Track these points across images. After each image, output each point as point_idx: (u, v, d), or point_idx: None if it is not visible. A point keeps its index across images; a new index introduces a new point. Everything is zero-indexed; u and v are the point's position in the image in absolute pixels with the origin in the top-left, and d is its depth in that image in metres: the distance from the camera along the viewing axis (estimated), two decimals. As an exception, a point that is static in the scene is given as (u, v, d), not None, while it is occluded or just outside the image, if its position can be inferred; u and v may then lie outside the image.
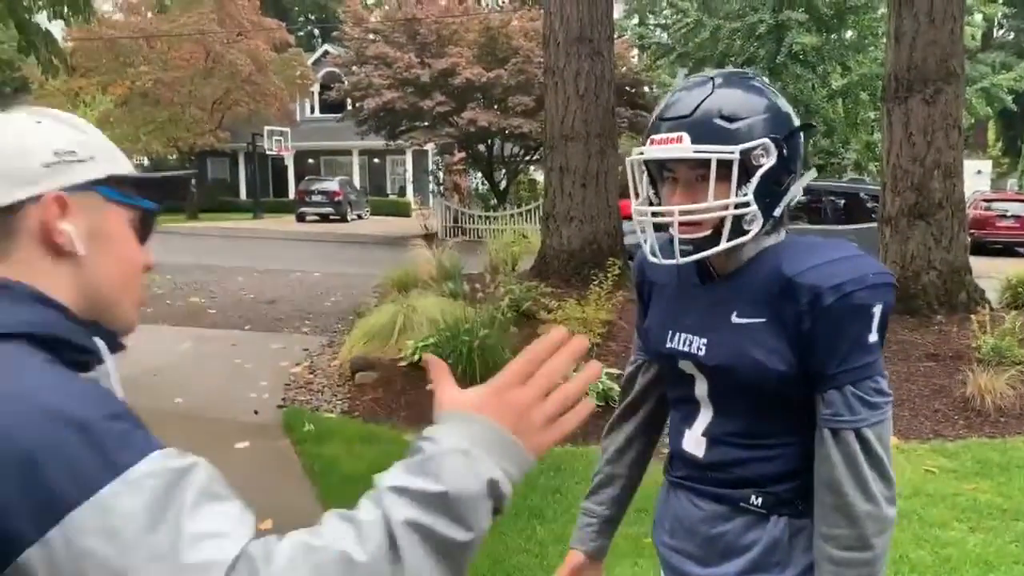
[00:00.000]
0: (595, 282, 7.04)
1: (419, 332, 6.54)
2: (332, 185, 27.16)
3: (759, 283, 1.32)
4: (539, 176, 22.42)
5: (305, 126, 32.36)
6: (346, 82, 20.80)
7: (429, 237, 14.91)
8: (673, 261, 1.34)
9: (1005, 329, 6.06)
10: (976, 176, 22.81)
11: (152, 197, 0.96)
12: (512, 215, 19.40)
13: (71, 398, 0.74)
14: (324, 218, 26.61)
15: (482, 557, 3.19)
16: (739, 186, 1.29)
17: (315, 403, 6.22)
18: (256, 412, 5.88)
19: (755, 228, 1.30)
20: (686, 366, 1.43)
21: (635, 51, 21.63)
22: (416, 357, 6.29)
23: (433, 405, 0.82)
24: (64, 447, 0.70)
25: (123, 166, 0.94)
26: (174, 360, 7.12)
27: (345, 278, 12.52)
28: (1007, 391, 5.47)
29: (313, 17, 47.45)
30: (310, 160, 33.54)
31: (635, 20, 20.91)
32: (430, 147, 23.75)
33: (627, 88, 18.84)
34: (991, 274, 8.21)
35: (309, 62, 31.28)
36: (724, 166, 1.27)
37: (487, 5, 27.93)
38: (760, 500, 1.37)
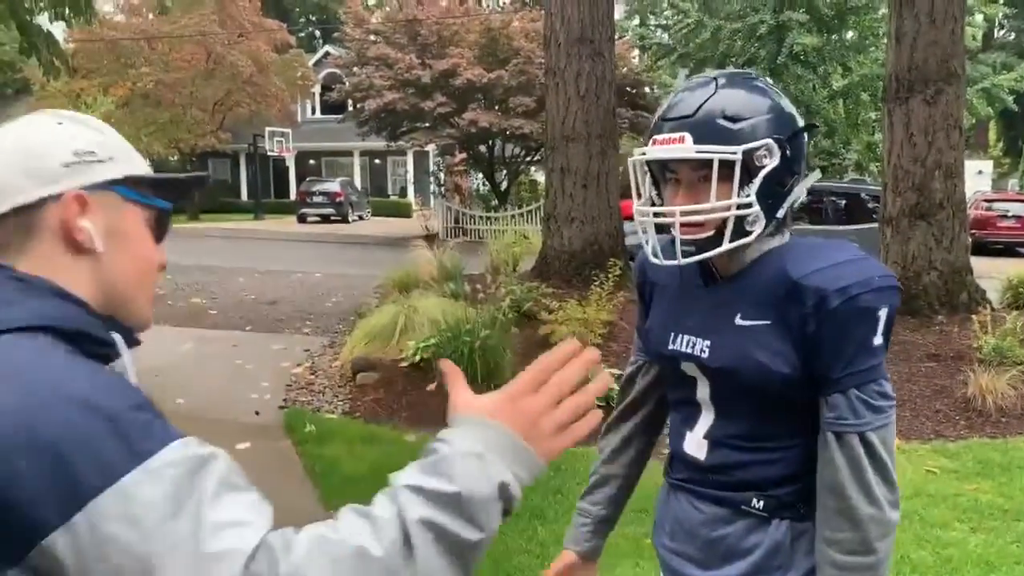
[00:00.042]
0: (596, 283, 7.04)
1: (420, 333, 6.54)
2: (333, 186, 27.16)
3: (763, 285, 1.32)
4: (540, 177, 22.43)
5: (306, 127, 32.37)
6: (347, 83, 20.82)
7: (430, 238, 14.91)
8: (675, 262, 1.33)
9: (1006, 329, 6.06)
10: (977, 176, 22.82)
11: (167, 197, 0.99)
12: (513, 216, 19.41)
13: (96, 388, 0.76)
14: (325, 219, 26.61)
15: (483, 557, 3.18)
16: (741, 187, 1.28)
17: (316, 404, 6.23)
18: (257, 413, 5.89)
19: (758, 229, 1.30)
20: (688, 368, 1.41)
21: (636, 52, 21.63)
22: (417, 358, 6.29)
23: (448, 408, 0.85)
24: (90, 435, 0.72)
25: (140, 167, 0.97)
26: (175, 361, 7.12)
27: (346, 279, 12.52)
28: (1008, 391, 5.47)
29: (314, 18, 47.49)
30: (311, 161, 33.56)
31: (636, 21, 20.93)
32: (431, 148, 23.76)
33: (628, 89, 18.84)
34: (992, 274, 8.21)
35: (310, 63, 31.31)
36: (726, 166, 1.27)
37: (488, 6, 27.94)
38: (762, 503, 1.36)
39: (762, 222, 1.30)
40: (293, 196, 29.86)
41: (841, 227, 11.00)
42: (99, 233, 0.89)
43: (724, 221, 1.29)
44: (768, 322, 1.30)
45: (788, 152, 1.30)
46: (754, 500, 1.36)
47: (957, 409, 5.53)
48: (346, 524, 0.75)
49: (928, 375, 5.92)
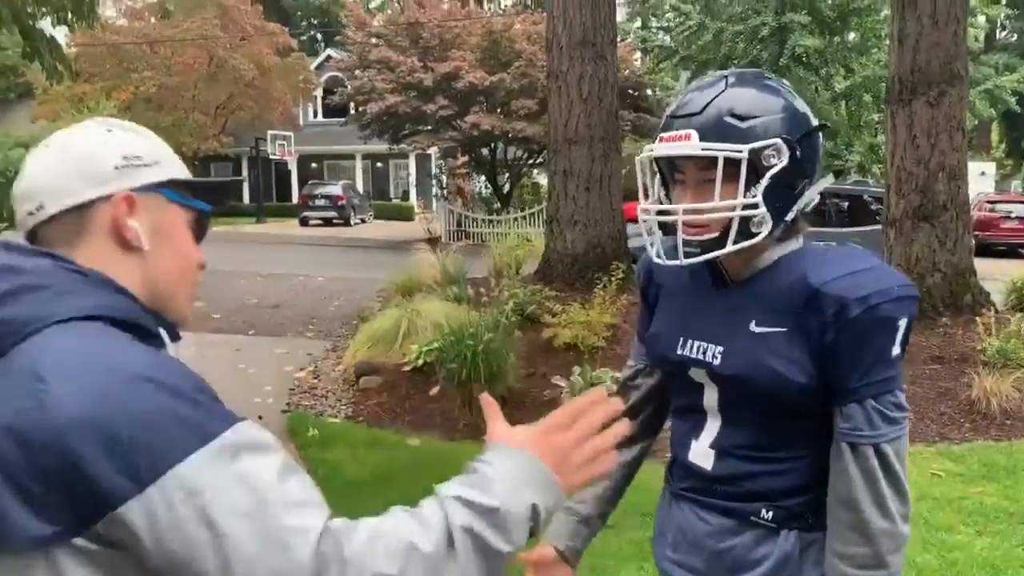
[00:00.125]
0: (599, 286, 7.04)
1: (423, 336, 6.54)
2: (335, 189, 27.16)
3: (780, 291, 1.29)
4: (542, 179, 22.44)
5: (308, 130, 32.40)
6: (349, 86, 20.84)
7: (432, 241, 14.92)
8: (677, 262, 1.30)
9: (1010, 331, 6.04)
10: (980, 178, 22.76)
11: (206, 200, 1.06)
12: (515, 219, 19.42)
13: (163, 370, 0.83)
14: (327, 222, 26.62)
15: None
16: (748, 187, 1.25)
17: (319, 408, 6.23)
18: (260, 417, 5.88)
19: (764, 231, 1.26)
20: (696, 374, 1.38)
21: (638, 54, 21.63)
22: (420, 362, 6.29)
23: (486, 436, 0.96)
24: (163, 413, 0.79)
25: (182, 171, 1.04)
26: (178, 365, 7.11)
27: (349, 282, 12.53)
28: (1013, 394, 5.46)
29: (316, 22, 47.56)
30: (313, 164, 33.58)
31: (638, 23, 20.90)
32: (433, 151, 23.76)
33: (630, 91, 18.84)
34: (995, 276, 8.19)
35: (312, 67, 31.36)
36: (732, 165, 1.24)
37: (490, 9, 27.96)
38: (771, 514, 1.33)
39: (769, 224, 1.26)
40: (295, 199, 29.87)
41: (844, 229, 10.97)
42: (145, 232, 0.96)
43: (729, 222, 1.26)
44: (785, 330, 1.27)
45: (798, 153, 1.27)
46: (763, 511, 1.33)
47: (962, 412, 5.52)
48: (399, 521, 0.85)
49: (932, 377, 5.91)
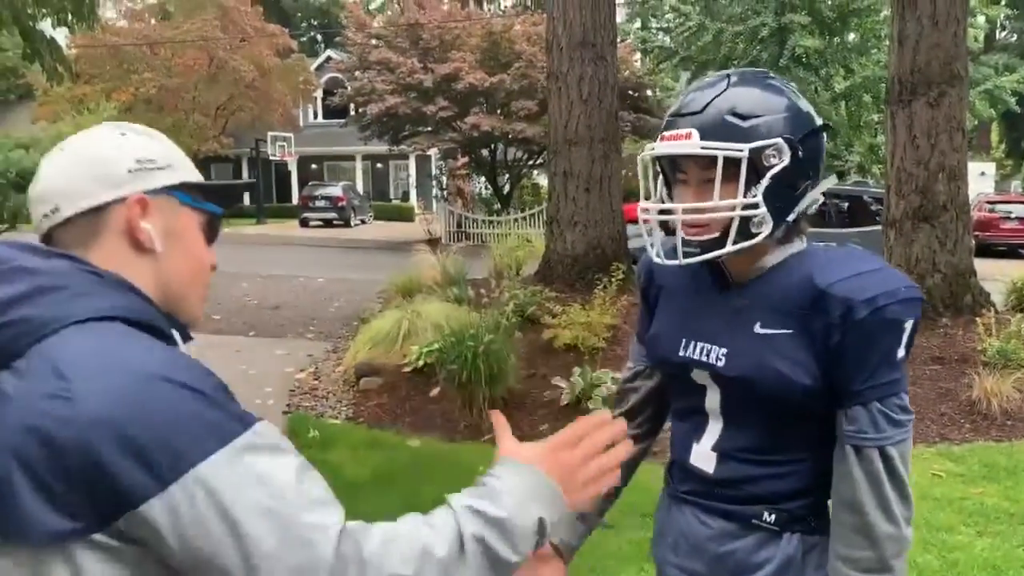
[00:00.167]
0: (599, 287, 7.04)
1: (423, 338, 6.54)
2: (335, 190, 27.15)
3: (785, 293, 1.27)
4: (542, 180, 22.44)
5: (308, 131, 32.40)
6: (349, 87, 20.83)
7: (433, 242, 14.92)
8: (676, 262, 1.29)
9: (1011, 332, 6.04)
10: (980, 178, 22.76)
11: (218, 202, 1.07)
12: (516, 219, 19.41)
13: (183, 370, 0.85)
14: (327, 223, 26.61)
15: None
16: (749, 187, 1.24)
17: (320, 409, 6.23)
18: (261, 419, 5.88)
19: (765, 231, 1.25)
20: (699, 376, 1.36)
21: (638, 55, 21.62)
22: (421, 363, 6.29)
23: (496, 452, 1.00)
24: (186, 412, 0.81)
25: (194, 174, 1.05)
26: (179, 366, 7.12)
27: (349, 283, 12.52)
28: (1013, 394, 5.45)
29: (316, 23, 47.57)
30: (313, 165, 33.59)
31: (637, 24, 20.88)
32: (433, 152, 23.75)
33: (630, 92, 18.83)
34: (996, 276, 8.19)
35: (312, 68, 31.36)
36: (733, 165, 1.22)
37: (490, 10, 27.97)
38: (773, 517, 1.32)
39: (769, 224, 1.25)
40: (295, 200, 29.87)
41: (844, 230, 10.97)
42: (158, 234, 0.97)
43: (729, 222, 1.25)
44: (790, 331, 1.26)
45: (800, 153, 1.25)
46: (765, 514, 1.32)
47: (962, 412, 5.52)
48: (412, 527, 0.87)
49: (933, 378, 5.90)
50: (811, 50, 16.65)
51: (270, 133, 28.42)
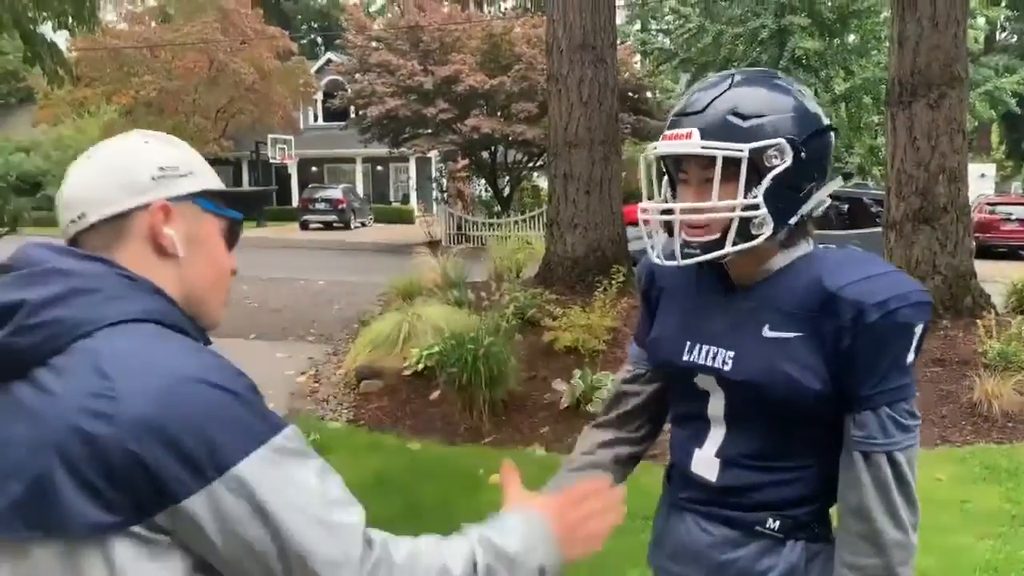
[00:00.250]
0: (599, 289, 7.03)
1: (424, 340, 6.54)
2: (336, 193, 27.17)
3: (794, 295, 1.25)
4: (542, 182, 22.44)
5: (308, 134, 32.42)
6: (349, 90, 20.83)
7: (433, 244, 14.91)
8: (675, 263, 1.27)
9: (1011, 334, 6.04)
10: (980, 180, 22.75)
11: (238, 209, 1.11)
12: (516, 222, 19.41)
13: (220, 371, 0.89)
14: (328, 226, 26.62)
15: None
16: (749, 187, 1.22)
17: (320, 412, 6.23)
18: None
19: (765, 233, 1.23)
20: (703, 381, 1.34)
21: (637, 57, 21.62)
22: (421, 366, 6.29)
23: (504, 500, 1.11)
24: (225, 413, 0.85)
25: (215, 181, 1.09)
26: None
27: (349, 286, 12.52)
28: (1014, 396, 5.45)
29: (316, 25, 47.59)
30: (313, 168, 33.60)
31: (637, 26, 20.86)
32: (433, 154, 23.77)
33: (630, 94, 18.85)
34: (996, 278, 8.18)
35: (312, 70, 31.35)
36: (732, 165, 1.21)
37: (490, 12, 27.99)
38: (777, 524, 1.29)
39: (770, 226, 1.23)
40: (295, 203, 29.88)
41: (844, 231, 10.96)
42: (181, 240, 1.01)
43: (729, 222, 1.23)
44: (800, 334, 1.23)
45: (803, 154, 1.23)
46: (769, 521, 1.30)
47: (963, 414, 5.51)
48: (433, 545, 0.95)
49: (933, 380, 5.90)
50: (811, 52, 16.65)
51: (270, 136, 28.42)
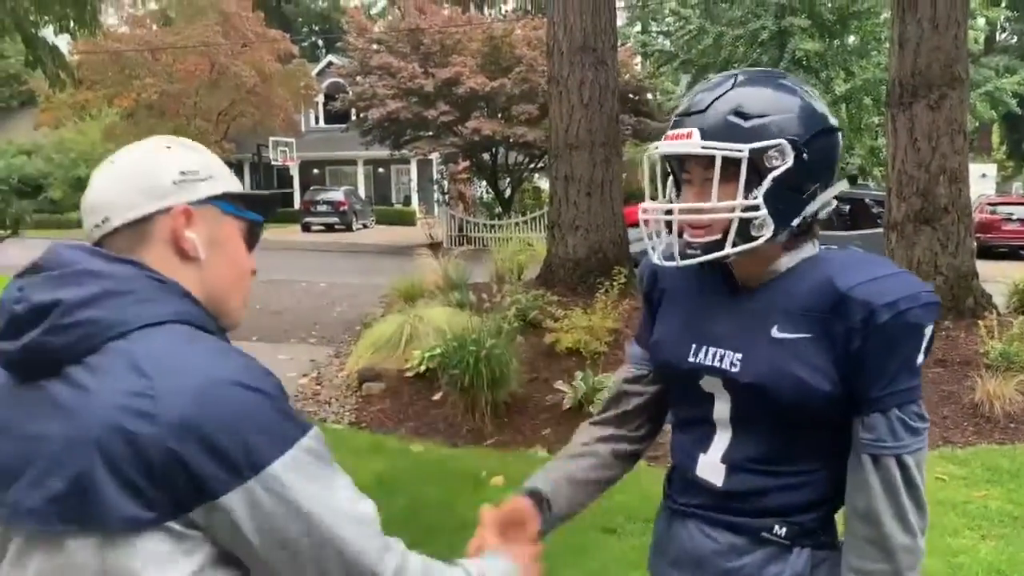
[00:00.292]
0: (601, 291, 7.04)
1: (426, 342, 6.54)
2: (337, 195, 27.19)
3: (803, 296, 1.23)
4: (543, 184, 22.45)
5: (310, 136, 32.44)
6: (350, 92, 20.86)
7: (434, 246, 14.91)
8: (674, 263, 1.26)
9: (1013, 334, 6.03)
10: (981, 180, 22.74)
11: (258, 211, 1.13)
12: (517, 223, 19.42)
13: (253, 373, 0.93)
14: (329, 228, 26.65)
15: None
16: (750, 188, 1.20)
17: (322, 414, 6.23)
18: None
19: (765, 235, 1.21)
20: (709, 383, 1.31)
21: (638, 58, 21.62)
22: (423, 367, 6.29)
23: (482, 543, 1.28)
24: (260, 413, 0.90)
25: (235, 184, 1.11)
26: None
27: (351, 288, 12.53)
28: (1016, 397, 5.45)
29: (317, 28, 47.63)
30: (315, 170, 33.62)
31: (638, 27, 20.87)
32: (434, 156, 23.77)
33: (630, 96, 18.86)
34: (997, 278, 8.18)
35: (313, 73, 31.38)
36: (733, 165, 1.19)
37: (490, 14, 28.01)
38: (784, 530, 1.27)
39: (771, 228, 1.21)
40: (297, 205, 29.90)
41: (846, 232, 10.96)
42: (202, 243, 1.03)
43: (729, 223, 1.21)
44: (809, 335, 1.21)
45: (806, 155, 1.21)
46: (776, 527, 1.27)
47: (965, 415, 5.51)
48: (440, 566, 1.04)
49: (935, 381, 5.89)
50: (811, 53, 16.65)
51: (272, 138, 28.44)
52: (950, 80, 6.85)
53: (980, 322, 6.31)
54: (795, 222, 1.24)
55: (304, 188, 30.95)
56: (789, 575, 1.27)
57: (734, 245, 1.22)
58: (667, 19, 19.51)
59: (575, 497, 1.44)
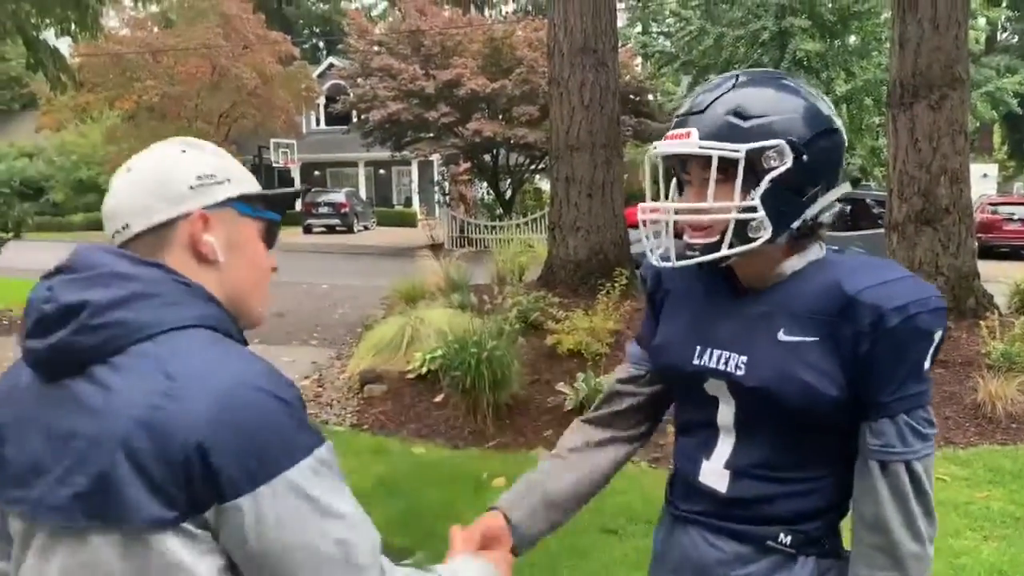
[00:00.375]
0: (602, 292, 7.04)
1: (427, 344, 6.54)
2: (338, 197, 27.24)
3: (810, 299, 1.21)
4: (544, 185, 22.43)
5: (311, 138, 32.46)
6: (351, 94, 20.88)
7: (435, 248, 14.92)
8: (669, 264, 1.25)
9: (1015, 335, 6.03)
10: (982, 180, 22.72)
11: (275, 209, 1.14)
12: (518, 225, 19.42)
13: (274, 379, 0.94)
14: (331, 229, 26.68)
15: None
16: (747, 189, 1.19)
17: (324, 416, 6.23)
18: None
19: (763, 236, 1.19)
20: (713, 387, 1.29)
21: (639, 59, 21.62)
22: (424, 369, 6.29)
23: (461, 536, 1.31)
24: (278, 420, 0.91)
25: (252, 185, 1.11)
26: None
27: (352, 290, 12.53)
28: (1018, 397, 5.44)
29: (318, 30, 47.65)
30: (316, 172, 33.65)
31: (638, 28, 20.87)
32: (435, 158, 23.80)
33: (631, 97, 18.86)
34: (999, 278, 8.18)
35: (314, 75, 31.38)
36: (731, 166, 1.17)
37: (491, 16, 28.02)
38: (789, 539, 1.24)
39: (768, 229, 1.19)
40: (298, 207, 29.91)
41: (846, 233, 10.96)
42: (220, 246, 1.04)
43: (727, 224, 1.20)
44: (815, 339, 1.19)
45: (806, 157, 1.19)
46: (781, 535, 1.25)
47: (967, 416, 5.50)
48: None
49: (937, 381, 5.88)
50: (812, 54, 16.65)
51: (273, 140, 28.46)
52: (951, 80, 6.85)
53: (982, 322, 6.30)
54: (795, 224, 1.22)
55: (305, 190, 30.93)
56: None
57: (731, 246, 1.20)
58: (668, 20, 19.51)
59: (551, 518, 1.41)
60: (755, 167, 1.18)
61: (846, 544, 1.29)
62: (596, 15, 8.35)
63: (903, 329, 1.14)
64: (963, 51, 7.01)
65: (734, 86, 1.23)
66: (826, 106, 1.24)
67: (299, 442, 0.92)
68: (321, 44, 46.46)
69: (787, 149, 1.18)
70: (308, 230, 26.54)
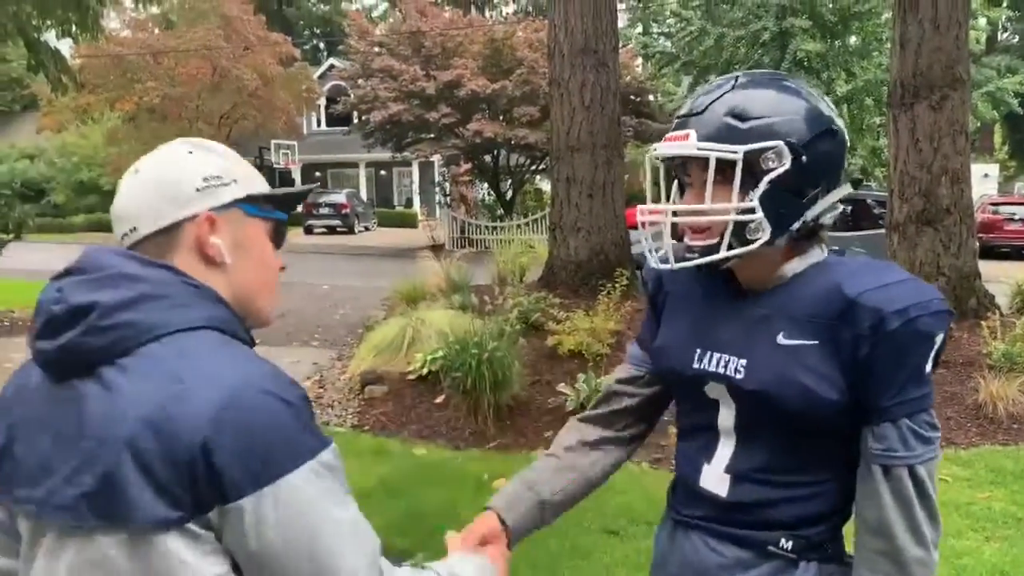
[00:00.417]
0: (603, 292, 7.03)
1: (428, 345, 6.54)
2: (339, 197, 27.25)
3: (810, 302, 1.20)
4: (545, 186, 22.45)
5: (312, 139, 32.47)
6: (352, 95, 20.90)
7: (436, 248, 14.93)
8: (667, 266, 1.24)
9: (1016, 335, 6.02)
10: (983, 180, 22.71)
11: (283, 209, 1.15)
12: (519, 225, 19.43)
13: (280, 382, 0.95)
14: (331, 230, 26.69)
15: None
16: (746, 191, 1.18)
17: (325, 418, 6.23)
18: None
19: (762, 238, 1.18)
20: (713, 390, 1.28)
21: (639, 60, 21.62)
22: (425, 370, 6.29)
23: (460, 535, 1.32)
24: (283, 422, 0.91)
25: (259, 185, 1.12)
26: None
27: (353, 291, 12.54)
28: (1019, 398, 5.44)
29: (319, 31, 47.69)
30: (317, 173, 33.65)
31: (639, 29, 20.87)
32: (436, 158, 23.81)
33: (632, 97, 18.88)
34: (1000, 278, 8.17)
35: (315, 76, 31.40)
36: (729, 167, 1.17)
37: (491, 17, 28.03)
38: (791, 544, 1.23)
39: (767, 231, 1.18)
40: (299, 208, 29.89)
41: (847, 233, 10.96)
42: (227, 248, 1.05)
43: (726, 226, 1.19)
44: (815, 342, 1.18)
45: (805, 158, 1.18)
46: (783, 540, 1.24)
47: (968, 416, 5.50)
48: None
49: (938, 382, 5.87)
50: (812, 54, 16.65)
51: (274, 141, 28.47)
52: (951, 81, 6.85)
53: (983, 323, 6.30)
54: (795, 226, 1.21)
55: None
56: None
57: (730, 248, 1.19)
58: (668, 20, 19.52)
59: (544, 517, 1.42)
60: (754, 168, 1.18)
61: (849, 549, 1.28)
62: (597, 16, 8.35)
63: (904, 332, 1.13)
64: (964, 51, 7.01)
65: (734, 87, 1.22)
66: (827, 107, 1.24)
67: (303, 445, 0.92)
68: (322, 45, 46.48)
69: (786, 150, 1.17)
70: (309, 231, 26.55)
